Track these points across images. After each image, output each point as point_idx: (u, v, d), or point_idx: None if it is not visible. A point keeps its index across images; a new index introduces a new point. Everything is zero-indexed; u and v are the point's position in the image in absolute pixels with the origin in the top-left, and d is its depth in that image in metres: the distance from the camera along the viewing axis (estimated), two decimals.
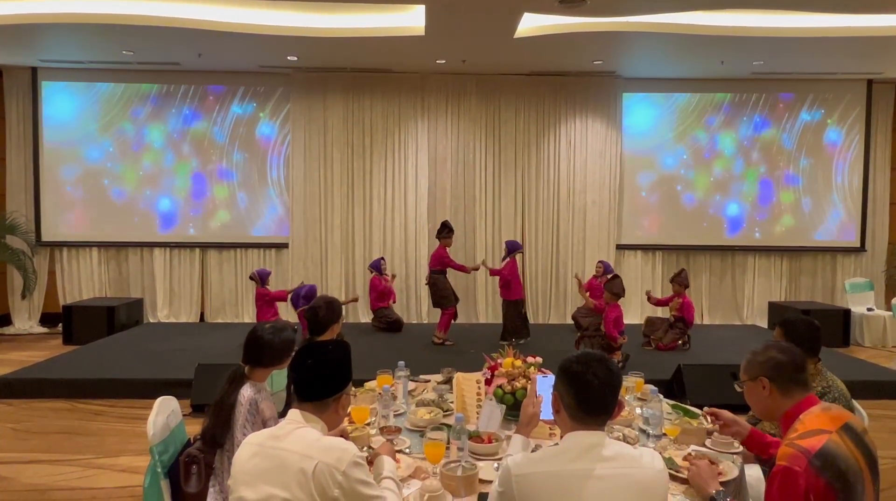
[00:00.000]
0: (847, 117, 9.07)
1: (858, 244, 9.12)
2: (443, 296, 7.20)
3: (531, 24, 6.81)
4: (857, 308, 8.36)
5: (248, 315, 8.92)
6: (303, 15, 6.90)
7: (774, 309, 8.71)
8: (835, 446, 1.72)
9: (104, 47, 7.62)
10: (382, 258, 8.23)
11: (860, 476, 1.72)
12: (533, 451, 2.08)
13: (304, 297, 6.89)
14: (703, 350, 7.07)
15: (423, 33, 6.80)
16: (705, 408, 2.48)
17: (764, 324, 8.93)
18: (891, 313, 8.17)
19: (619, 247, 9.07)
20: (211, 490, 2.50)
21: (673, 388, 5.58)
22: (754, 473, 2.67)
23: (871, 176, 9.11)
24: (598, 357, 1.72)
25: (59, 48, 7.73)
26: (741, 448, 2.59)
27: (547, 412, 2.09)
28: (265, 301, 7.04)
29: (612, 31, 6.82)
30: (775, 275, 9.25)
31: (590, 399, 1.67)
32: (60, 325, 8.04)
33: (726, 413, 2.36)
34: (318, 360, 1.86)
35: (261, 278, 7.14)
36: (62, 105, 8.75)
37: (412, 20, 6.77)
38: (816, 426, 1.78)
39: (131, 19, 6.65)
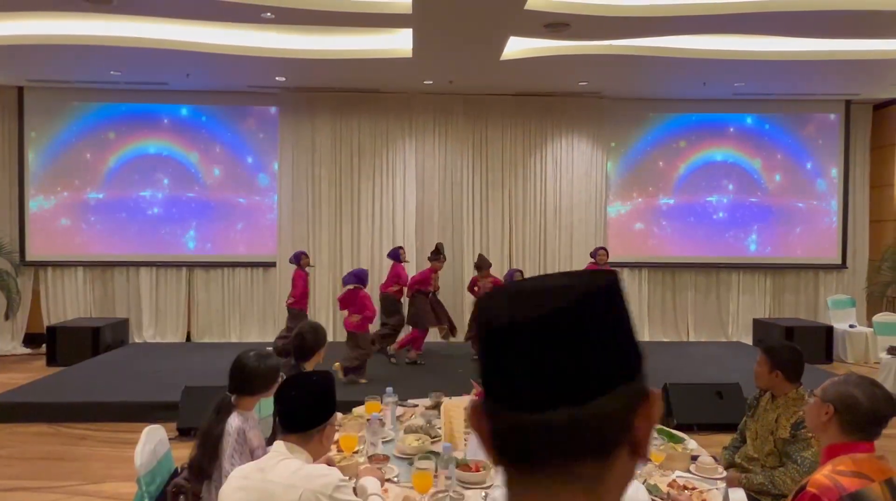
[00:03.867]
0: (826, 137, 9.26)
1: (840, 262, 9.27)
2: (415, 314, 7.21)
3: (517, 47, 6.91)
4: (840, 325, 8.47)
5: (235, 334, 8.88)
6: (291, 36, 6.95)
7: (759, 326, 8.80)
8: (873, 495, 1.66)
9: (92, 67, 7.63)
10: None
11: None
12: None
13: (354, 275, 6.60)
14: (688, 368, 7.11)
15: (411, 55, 6.89)
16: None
17: (749, 341, 9.02)
18: (872, 329, 8.28)
19: None
20: None
21: None
22: (738, 497, 2.71)
23: (851, 195, 9.29)
24: None
25: (46, 68, 7.72)
26: (724, 473, 2.63)
27: None
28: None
29: (596, 54, 6.93)
30: (759, 292, 9.37)
31: None
32: (44, 346, 7.94)
33: None
34: (302, 391, 1.89)
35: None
36: (48, 124, 8.72)
37: (400, 42, 6.85)
38: (862, 470, 1.72)
39: (119, 40, 6.68)
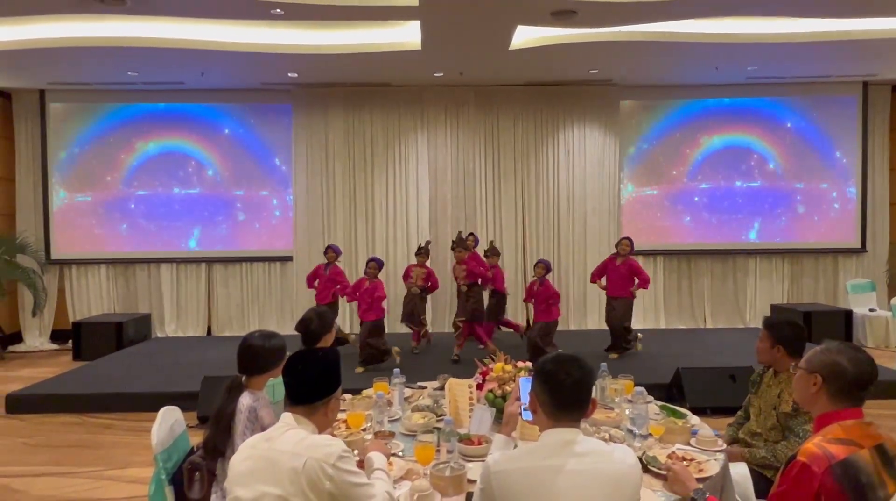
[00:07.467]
0: (844, 119, 9.12)
1: (859, 245, 9.14)
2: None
3: (525, 36, 6.93)
4: (859, 309, 8.37)
5: (254, 328, 8.98)
6: (302, 32, 7.05)
7: (777, 311, 8.71)
8: (862, 461, 1.71)
9: (109, 69, 7.80)
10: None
11: (882, 495, 1.69)
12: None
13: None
14: (703, 353, 7.10)
15: (420, 48, 6.94)
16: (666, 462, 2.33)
17: None
18: (892, 313, 8.17)
19: None
20: (213, 496, 2.59)
21: (672, 392, 5.63)
22: (741, 471, 2.74)
23: (871, 177, 9.14)
24: (570, 357, 1.81)
25: (65, 71, 7.91)
26: (724, 446, 2.67)
27: (524, 414, 2.17)
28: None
29: (605, 40, 6.91)
30: (777, 277, 9.28)
31: (563, 397, 1.76)
32: (70, 341, 8.17)
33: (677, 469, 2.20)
34: (309, 365, 1.97)
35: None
36: (70, 126, 8.94)
37: (408, 35, 6.90)
38: (850, 437, 1.76)
39: (135, 41, 6.83)
